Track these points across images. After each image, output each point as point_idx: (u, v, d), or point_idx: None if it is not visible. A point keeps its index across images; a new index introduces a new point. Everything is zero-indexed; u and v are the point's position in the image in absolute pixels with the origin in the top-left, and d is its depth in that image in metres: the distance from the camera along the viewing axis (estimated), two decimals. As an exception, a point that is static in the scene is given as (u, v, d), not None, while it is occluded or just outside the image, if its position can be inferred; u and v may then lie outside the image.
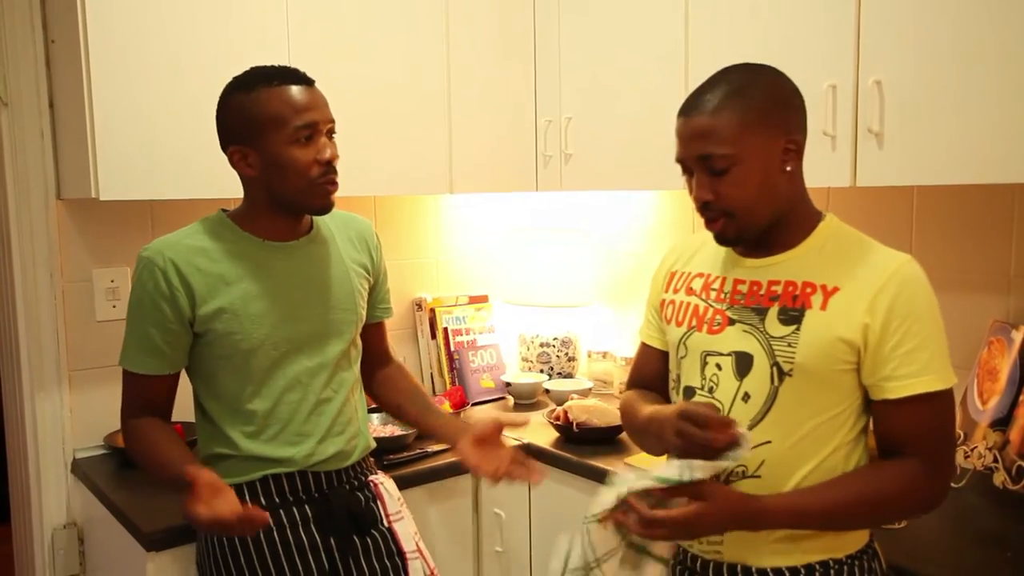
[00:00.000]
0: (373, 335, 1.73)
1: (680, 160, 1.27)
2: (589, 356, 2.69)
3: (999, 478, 1.62)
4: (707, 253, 1.39)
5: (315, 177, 1.44)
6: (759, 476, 1.24)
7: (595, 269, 2.67)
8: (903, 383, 1.19)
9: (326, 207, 1.49)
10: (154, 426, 1.49)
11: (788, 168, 1.23)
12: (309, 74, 1.47)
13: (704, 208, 1.26)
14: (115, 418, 2.06)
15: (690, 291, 1.37)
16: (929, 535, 1.53)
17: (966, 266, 1.86)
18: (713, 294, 1.33)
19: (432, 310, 2.64)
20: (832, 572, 1.24)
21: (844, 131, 1.69)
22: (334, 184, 1.47)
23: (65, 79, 1.93)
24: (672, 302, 1.40)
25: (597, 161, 2.28)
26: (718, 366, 1.29)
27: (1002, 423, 1.65)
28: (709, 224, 1.28)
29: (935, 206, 1.92)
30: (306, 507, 1.52)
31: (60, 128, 2.02)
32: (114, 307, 2.11)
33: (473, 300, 2.73)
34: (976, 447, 1.68)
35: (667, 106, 2.08)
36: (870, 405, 1.25)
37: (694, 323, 1.34)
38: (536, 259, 2.63)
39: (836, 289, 1.23)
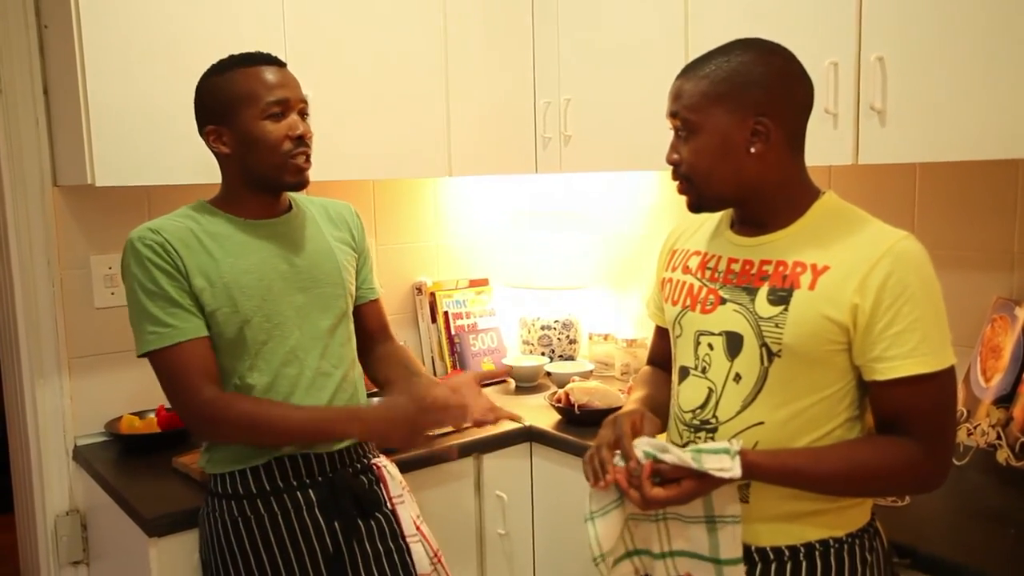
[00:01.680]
0: (368, 315, 1.73)
1: (667, 117, 1.32)
2: (590, 338, 2.69)
3: (1002, 455, 1.61)
4: (706, 231, 1.39)
5: (286, 151, 1.47)
6: None
7: (596, 251, 2.66)
8: (892, 364, 1.17)
9: (299, 183, 1.52)
10: (252, 401, 1.47)
11: (753, 150, 1.22)
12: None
13: (673, 170, 1.30)
14: (115, 404, 2.11)
15: (687, 270, 1.37)
16: (932, 512, 1.52)
17: (969, 243, 1.85)
18: (708, 273, 1.33)
19: (432, 294, 2.63)
20: (832, 551, 1.24)
21: (846, 109, 1.67)
22: (307, 160, 1.51)
23: (59, 65, 1.92)
24: (670, 280, 1.40)
25: (597, 143, 2.26)
26: (710, 346, 1.29)
27: (1005, 400, 1.65)
28: (678, 187, 1.31)
29: (938, 183, 1.90)
30: (310, 491, 1.52)
31: (55, 114, 2.00)
32: (112, 294, 2.10)
33: (473, 284, 2.72)
34: (979, 424, 1.68)
35: (667, 87, 2.06)
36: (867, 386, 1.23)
37: (688, 302, 1.34)
38: (536, 242, 2.62)
39: (826, 268, 1.21)
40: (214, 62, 1.51)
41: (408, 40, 2.21)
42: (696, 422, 1.30)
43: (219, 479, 1.52)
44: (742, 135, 1.22)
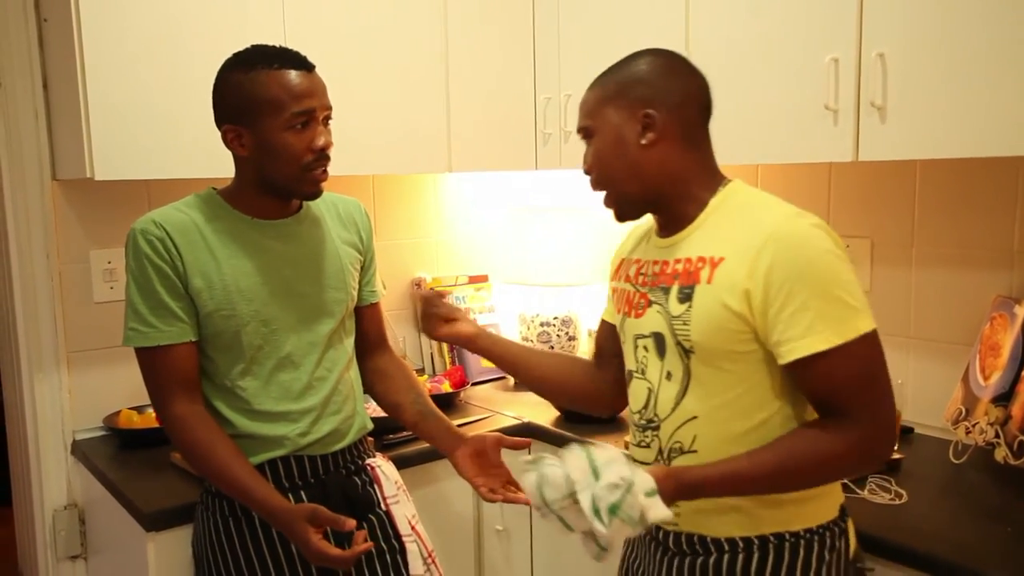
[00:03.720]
0: (367, 318, 1.70)
1: None
2: (589, 335, 2.68)
3: (1000, 454, 1.61)
4: (641, 238, 1.43)
5: (307, 164, 1.44)
6: (695, 451, 1.25)
7: (595, 248, 2.66)
8: (790, 347, 1.16)
9: (314, 194, 1.50)
10: (210, 432, 1.43)
11: (643, 141, 1.26)
12: (305, 51, 1.46)
13: (590, 182, 1.35)
14: (114, 399, 2.11)
15: (627, 278, 1.40)
16: (930, 511, 1.52)
17: (969, 241, 1.85)
18: (641, 279, 1.35)
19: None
20: (787, 545, 1.23)
21: (846, 105, 1.67)
22: (325, 172, 1.48)
23: (58, 58, 1.91)
24: (615, 290, 1.44)
25: (597, 138, 2.25)
26: (645, 348, 1.32)
27: (1004, 398, 1.64)
28: (603, 199, 1.35)
29: (938, 180, 1.90)
30: (302, 493, 1.50)
31: (54, 108, 2.00)
32: (112, 288, 2.10)
33: (473, 280, 2.72)
34: (978, 423, 1.68)
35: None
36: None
37: (626, 308, 1.37)
38: (536, 238, 2.62)
39: (722, 259, 1.21)
40: (236, 51, 1.45)
41: (408, 35, 2.20)
42: (643, 422, 1.32)
43: None
44: (632, 129, 1.27)
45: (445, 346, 2.61)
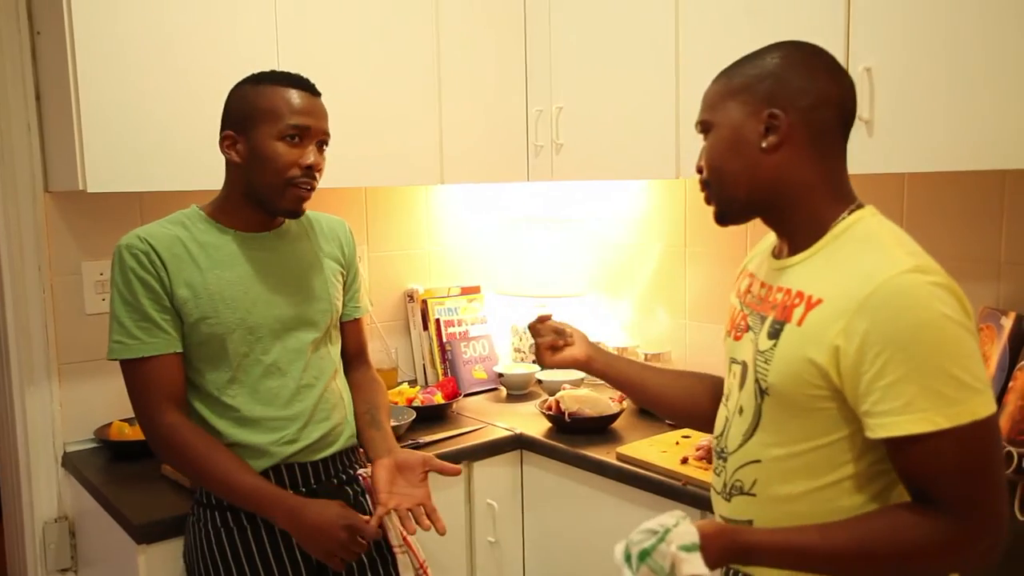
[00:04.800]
0: (348, 332, 1.73)
1: None
2: (581, 346, 2.68)
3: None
4: (765, 252, 1.29)
5: (291, 178, 1.46)
6: (754, 495, 1.17)
7: (588, 259, 2.66)
8: (882, 421, 1.01)
9: (295, 212, 1.51)
10: (205, 439, 1.45)
11: (765, 144, 1.12)
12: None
13: (700, 180, 1.23)
14: (105, 411, 2.10)
15: (738, 292, 1.29)
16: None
17: (956, 253, 1.86)
18: (748, 298, 1.25)
19: (424, 301, 2.63)
20: None
21: (834, 119, 1.68)
22: (308, 192, 1.50)
23: (51, 71, 1.92)
24: (732, 304, 1.32)
25: (589, 151, 2.27)
26: (733, 375, 1.24)
27: (992, 410, 1.65)
28: (704, 197, 1.24)
29: (925, 193, 1.91)
30: None
31: (47, 120, 2.00)
32: (103, 300, 2.09)
33: (465, 291, 2.72)
34: (967, 434, 1.68)
35: (659, 95, 2.10)
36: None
37: (728, 327, 1.29)
38: (529, 249, 2.62)
39: (819, 301, 1.08)
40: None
41: (400, 47, 2.21)
42: (718, 449, 1.25)
43: (204, 489, 1.51)
44: (754, 129, 1.13)
45: (438, 357, 2.61)
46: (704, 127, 1.20)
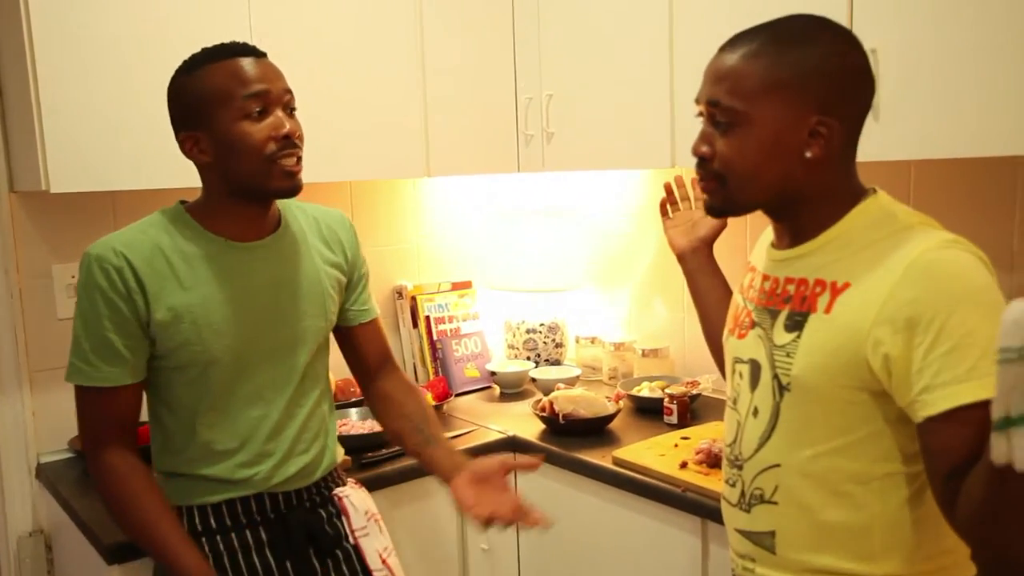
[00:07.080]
0: (363, 338, 1.57)
1: (696, 101, 1.10)
2: (577, 342, 2.61)
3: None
4: (763, 243, 1.22)
5: (271, 154, 1.29)
6: (775, 503, 1.11)
7: (582, 252, 2.59)
8: (946, 392, 0.93)
9: (290, 188, 1.33)
10: (138, 482, 1.32)
11: (809, 154, 1.03)
12: (273, 54, 1.35)
13: (699, 164, 1.10)
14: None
15: (741, 288, 1.23)
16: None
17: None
18: (751, 292, 1.18)
19: (413, 298, 2.55)
20: None
21: (837, 104, 1.60)
22: (297, 162, 1.33)
23: (11, 67, 1.82)
24: (735, 302, 1.25)
25: (581, 140, 2.18)
26: (740, 375, 1.17)
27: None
28: (701, 184, 1.11)
29: (934, 181, 1.83)
30: (260, 530, 1.40)
31: (9, 118, 1.91)
32: (75, 304, 2.01)
33: (456, 286, 2.64)
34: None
35: (652, 81, 2.01)
36: (914, 430, 1.00)
37: (731, 325, 1.21)
38: (521, 242, 2.54)
39: (846, 286, 1.02)
40: (184, 58, 1.33)
41: (382, 34, 2.12)
42: (731, 457, 1.19)
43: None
44: (798, 136, 1.03)
45: (428, 356, 2.53)
46: (729, 115, 1.04)
